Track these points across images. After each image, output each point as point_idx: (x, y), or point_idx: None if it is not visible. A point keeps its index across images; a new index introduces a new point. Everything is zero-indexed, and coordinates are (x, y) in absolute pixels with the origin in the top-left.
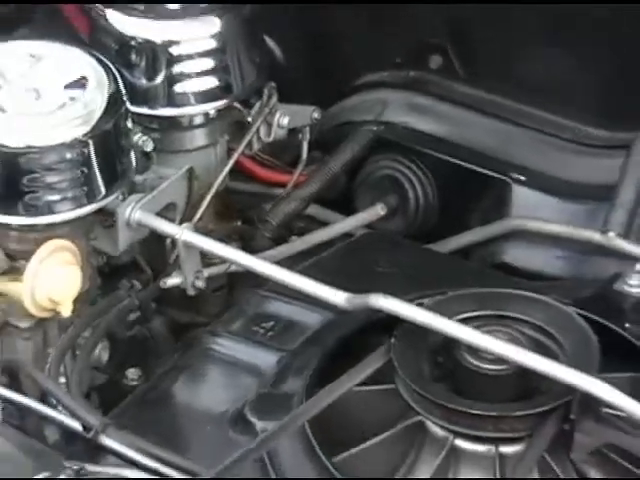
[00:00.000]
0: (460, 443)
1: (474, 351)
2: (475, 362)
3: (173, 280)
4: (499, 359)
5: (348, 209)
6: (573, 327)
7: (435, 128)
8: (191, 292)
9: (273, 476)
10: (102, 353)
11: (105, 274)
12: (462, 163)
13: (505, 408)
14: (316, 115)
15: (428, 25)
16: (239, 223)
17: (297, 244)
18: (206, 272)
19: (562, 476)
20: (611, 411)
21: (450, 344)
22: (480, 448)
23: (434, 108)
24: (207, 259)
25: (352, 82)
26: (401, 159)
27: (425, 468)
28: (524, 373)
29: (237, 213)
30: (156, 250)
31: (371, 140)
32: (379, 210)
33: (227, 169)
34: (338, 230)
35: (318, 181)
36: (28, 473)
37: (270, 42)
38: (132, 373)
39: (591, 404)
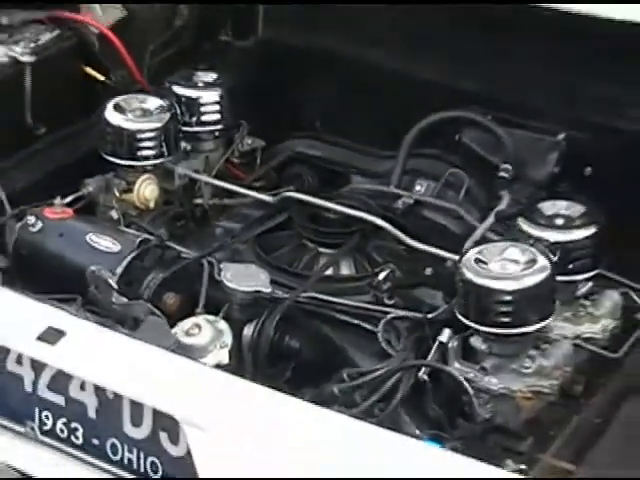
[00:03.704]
0: (321, 250)
1: (327, 210)
2: (327, 215)
3: (198, 200)
4: (337, 212)
5: None
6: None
7: (318, 154)
8: (206, 206)
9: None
10: (165, 233)
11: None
12: (327, 166)
13: (336, 230)
14: (263, 143)
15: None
16: None
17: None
18: (215, 200)
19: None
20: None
21: (320, 211)
22: (328, 251)
23: (315, 145)
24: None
25: (287, 135)
26: (302, 166)
27: (305, 261)
28: (348, 218)
29: None
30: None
31: (286, 158)
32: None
33: (222, 160)
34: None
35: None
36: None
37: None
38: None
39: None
